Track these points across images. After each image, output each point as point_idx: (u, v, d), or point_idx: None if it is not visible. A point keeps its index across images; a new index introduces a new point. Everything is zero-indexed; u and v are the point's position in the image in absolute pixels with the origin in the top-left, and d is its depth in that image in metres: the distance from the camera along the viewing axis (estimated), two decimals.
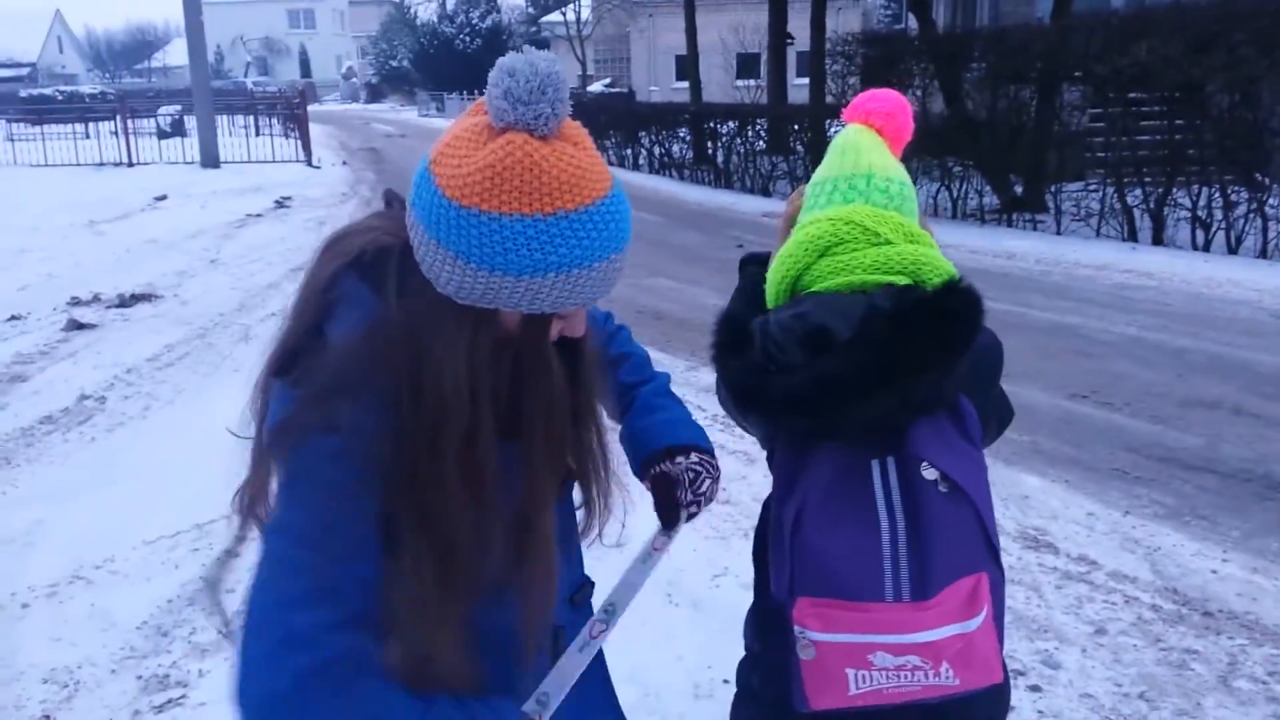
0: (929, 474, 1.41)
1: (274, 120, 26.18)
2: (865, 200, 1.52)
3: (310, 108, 25.85)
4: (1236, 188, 10.11)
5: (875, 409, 1.38)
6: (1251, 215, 9.93)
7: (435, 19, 54.91)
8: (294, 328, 1.14)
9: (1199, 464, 4.75)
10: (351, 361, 1.08)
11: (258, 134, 24.72)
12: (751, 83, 27.41)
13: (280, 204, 15.40)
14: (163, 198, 15.61)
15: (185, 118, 24.18)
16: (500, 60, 1.06)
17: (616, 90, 35.63)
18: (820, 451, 1.45)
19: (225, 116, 24.51)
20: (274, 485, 1.13)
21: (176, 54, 67.64)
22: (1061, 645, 3.27)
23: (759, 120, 17.50)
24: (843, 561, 1.40)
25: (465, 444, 1.09)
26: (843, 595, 1.39)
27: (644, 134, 21.25)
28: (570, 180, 1.05)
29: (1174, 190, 10.64)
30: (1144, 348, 6.77)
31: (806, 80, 19.86)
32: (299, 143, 22.90)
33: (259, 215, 14.22)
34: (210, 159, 20.19)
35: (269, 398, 1.14)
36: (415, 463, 1.08)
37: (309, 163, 21.78)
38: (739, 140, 17.28)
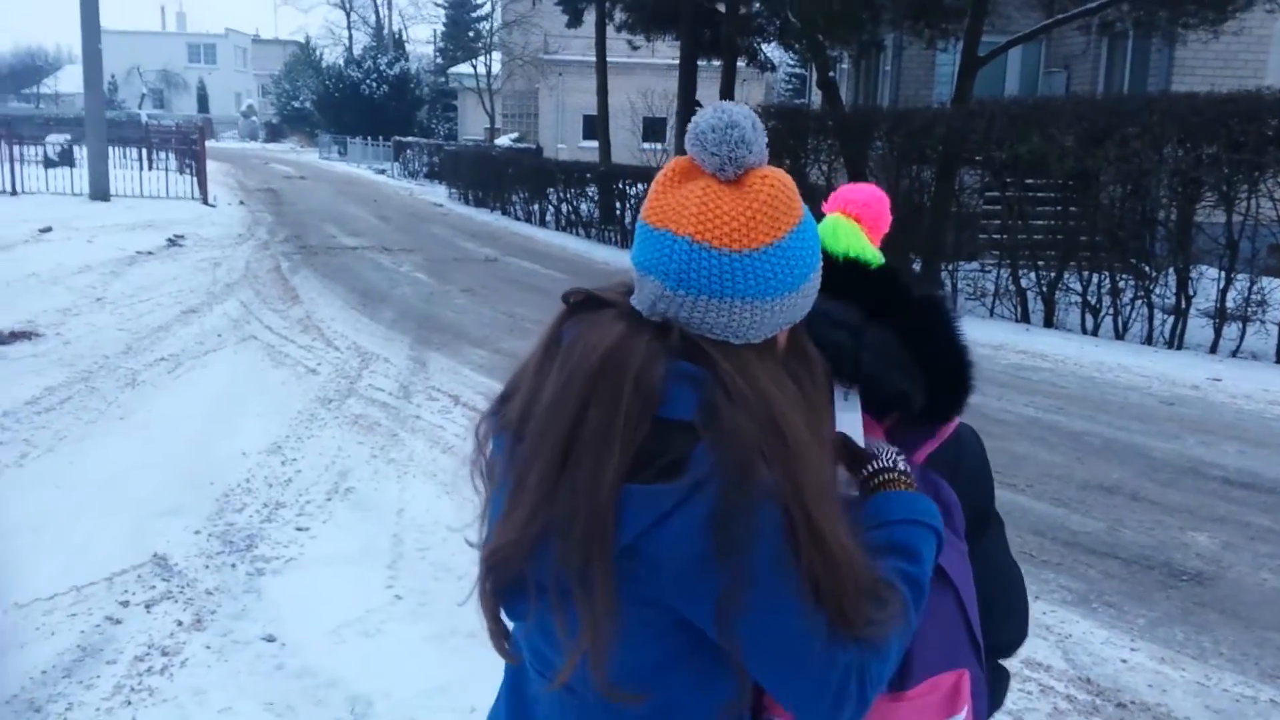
0: None
1: (169, 155, 25.44)
2: None
3: (207, 144, 25.20)
4: (1125, 275, 10.55)
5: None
6: (1138, 303, 10.36)
7: (341, 62, 54.42)
8: (623, 442, 1.09)
9: (1102, 549, 4.83)
10: (737, 432, 1.09)
11: (150, 168, 23.96)
12: (658, 146, 27.78)
13: (173, 242, 14.89)
14: (47, 230, 14.93)
15: (75, 147, 23.31)
16: (708, 121, 1.13)
17: (524, 145, 35.73)
18: None
19: (118, 148, 23.69)
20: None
21: (68, 81, 65.57)
22: None
23: None
24: None
25: (825, 470, 1.17)
26: None
27: (552, 190, 21.29)
28: (793, 184, 1.17)
29: (1065, 275, 11.05)
30: (1042, 429, 6.93)
31: None
32: (194, 180, 22.28)
33: (150, 253, 13.71)
34: (100, 192, 19.48)
35: (621, 507, 1.09)
36: (807, 515, 1.10)
37: (204, 201, 21.20)
38: None
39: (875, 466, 1.32)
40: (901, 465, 1.32)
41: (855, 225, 1.55)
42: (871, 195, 1.59)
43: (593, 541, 1.08)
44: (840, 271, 1.45)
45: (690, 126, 1.15)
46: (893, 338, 1.40)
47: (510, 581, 1.16)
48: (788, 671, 1.14)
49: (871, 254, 1.54)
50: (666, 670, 1.18)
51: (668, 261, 1.13)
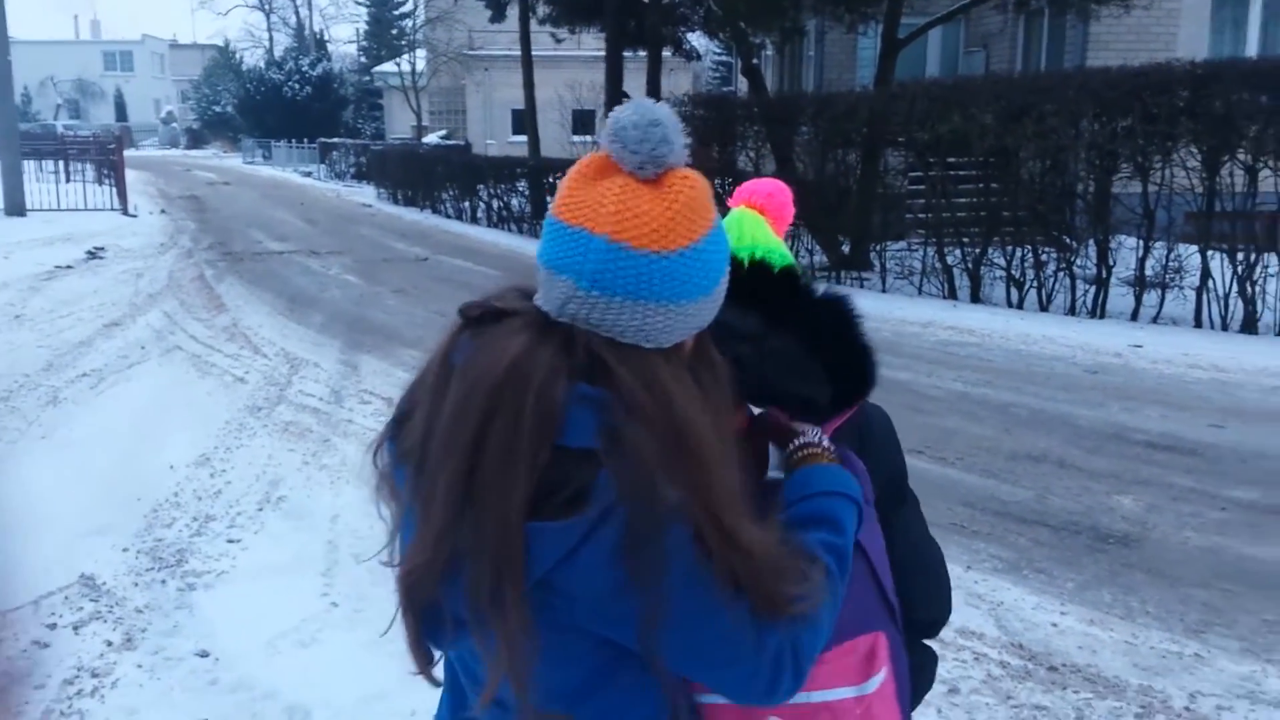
0: None
1: (87, 166, 24.83)
2: None
3: (127, 153, 24.66)
4: (1047, 248, 10.76)
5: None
6: (1060, 274, 10.59)
7: (262, 65, 53.51)
8: (526, 466, 1.06)
9: (1031, 517, 4.93)
10: (640, 454, 1.07)
11: (68, 180, 23.37)
12: (587, 139, 27.69)
13: (93, 255, 14.53)
14: None
15: None
16: (629, 118, 1.10)
17: (453, 142, 35.43)
18: None
19: (33, 161, 23.05)
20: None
21: None
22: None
23: None
24: None
25: (732, 472, 1.13)
26: None
27: (482, 187, 21.15)
28: (708, 186, 1.16)
29: (990, 250, 11.25)
30: (971, 403, 7.05)
31: None
32: (114, 190, 21.76)
33: (69, 267, 13.37)
34: (15, 207, 18.93)
35: (526, 546, 1.06)
36: (712, 516, 1.09)
37: (125, 211, 20.72)
38: None
39: (800, 441, 1.35)
40: (825, 442, 1.35)
41: (760, 217, 1.58)
42: (775, 187, 1.61)
43: (503, 566, 1.06)
44: (744, 275, 1.45)
45: (609, 122, 1.11)
46: (793, 345, 1.41)
47: (427, 605, 1.13)
48: (720, 669, 1.16)
49: (776, 244, 1.56)
50: (597, 685, 1.18)
51: (582, 261, 1.09)
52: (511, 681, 1.10)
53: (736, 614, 1.12)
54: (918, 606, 1.52)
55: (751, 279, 1.45)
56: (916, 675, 1.52)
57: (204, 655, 3.64)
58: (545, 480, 1.06)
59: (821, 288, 1.54)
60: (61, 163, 24.76)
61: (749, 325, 1.39)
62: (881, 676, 1.37)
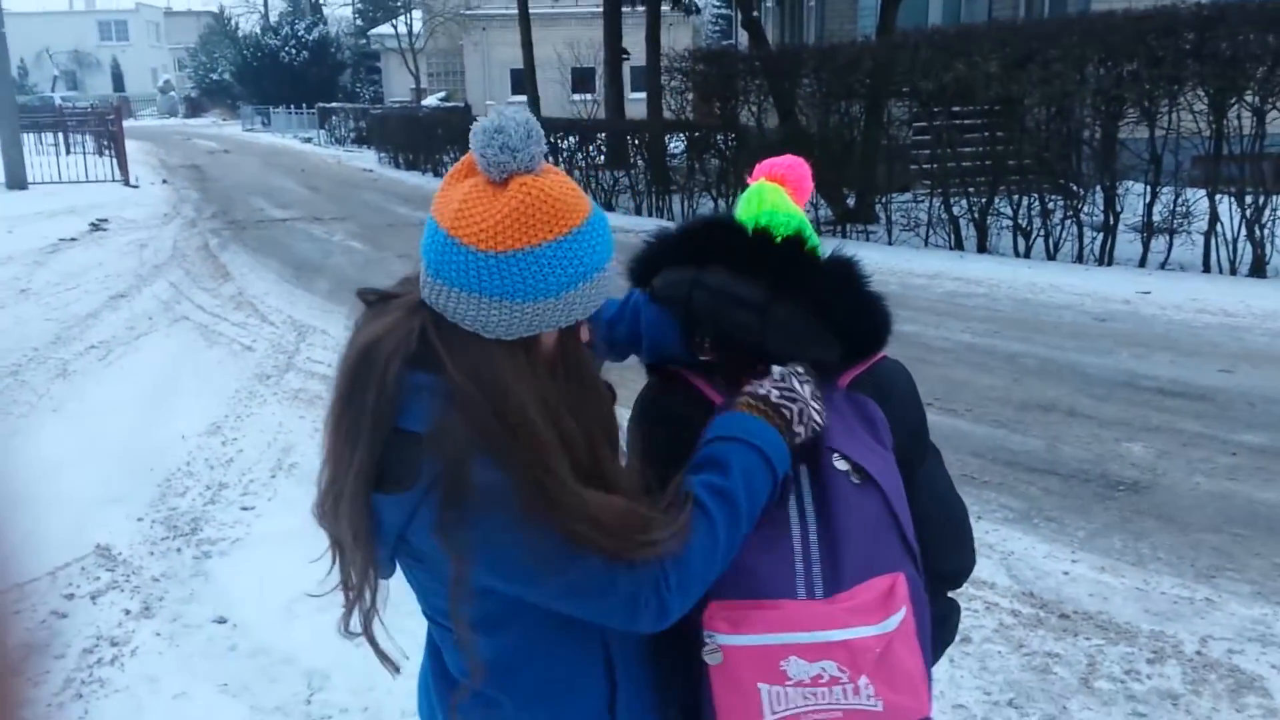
0: (840, 465, 1.40)
1: (86, 137, 24.72)
2: None
3: (126, 123, 24.53)
4: (1053, 196, 10.69)
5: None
6: (1067, 222, 10.52)
7: (258, 30, 53.08)
8: (369, 443, 1.20)
9: (1041, 466, 4.94)
10: (453, 434, 1.16)
11: (68, 152, 23.26)
12: (588, 97, 27.51)
13: (96, 226, 14.51)
14: None
15: None
16: (482, 124, 1.20)
17: (452, 104, 35.19)
18: None
19: (32, 134, 22.96)
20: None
21: None
22: None
23: (599, 135, 17.53)
24: (755, 560, 1.37)
25: (568, 454, 1.21)
26: (754, 595, 1.35)
27: None
28: (571, 200, 1.22)
29: (996, 200, 11.18)
30: (979, 353, 7.04)
31: (643, 95, 20.04)
32: (114, 161, 21.67)
33: (73, 239, 13.36)
34: (16, 180, 18.89)
35: (374, 514, 1.22)
36: (539, 489, 1.17)
37: (126, 182, 20.66)
38: (580, 155, 17.27)
39: (745, 391, 1.40)
40: (763, 391, 1.38)
41: (780, 187, 1.61)
42: (795, 160, 1.66)
43: (355, 524, 1.22)
44: (750, 243, 1.50)
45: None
46: (799, 312, 1.44)
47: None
48: (580, 603, 1.26)
49: (794, 210, 1.58)
50: (513, 614, 1.28)
51: (429, 250, 1.22)
52: (359, 608, 1.30)
53: (581, 566, 1.21)
54: (943, 558, 1.54)
55: (756, 247, 1.49)
56: (940, 627, 1.54)
57: (222, 621, 3.67)
58: (385, 458, 1.19)
59: (828, 250, 1.56)
60: (61, 135, 24.63)
61: (751, 293, 1.43)
62: (901, 614, 1.38)
